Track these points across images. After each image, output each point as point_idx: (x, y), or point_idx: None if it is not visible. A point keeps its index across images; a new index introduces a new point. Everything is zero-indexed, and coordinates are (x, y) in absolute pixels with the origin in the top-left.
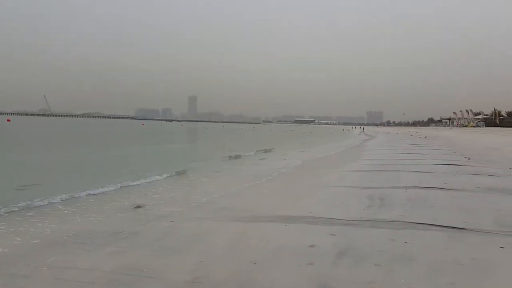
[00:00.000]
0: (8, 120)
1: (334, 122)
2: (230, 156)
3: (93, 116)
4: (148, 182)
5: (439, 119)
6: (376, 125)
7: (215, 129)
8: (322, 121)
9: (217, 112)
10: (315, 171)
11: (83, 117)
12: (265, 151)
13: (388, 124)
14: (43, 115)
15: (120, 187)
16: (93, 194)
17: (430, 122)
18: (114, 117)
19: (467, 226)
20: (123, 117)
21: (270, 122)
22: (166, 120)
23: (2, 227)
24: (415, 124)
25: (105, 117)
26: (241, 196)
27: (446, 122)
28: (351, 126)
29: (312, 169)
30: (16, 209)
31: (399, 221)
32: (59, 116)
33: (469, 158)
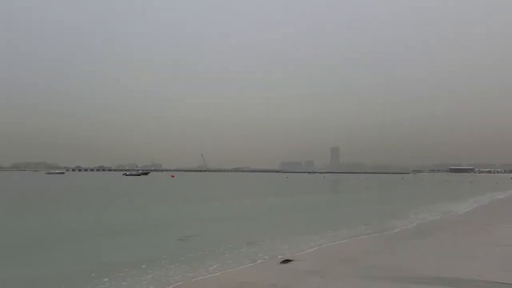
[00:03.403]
0: (172, 176)
1: (499, 170)
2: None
3: (242, 170)
4: (294, 235)
5: None
6: None
7: (359, 180)
8: (483, 169)
9: (360, 163)
10: (478, 226)
11: (233, 171)
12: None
13: None
14: (200, 170)
15: (274, 238)
16: (249, 243)
17: None
18: (261, 171)
19: None
20: (268, 171)
21: (421, 171)
22: (309, 173)
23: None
24: None
25: (252, 171)
26: (390, 252)
27: None
28: None
29: (474, 223)
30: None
31: None
32: (213, 171)
33: None
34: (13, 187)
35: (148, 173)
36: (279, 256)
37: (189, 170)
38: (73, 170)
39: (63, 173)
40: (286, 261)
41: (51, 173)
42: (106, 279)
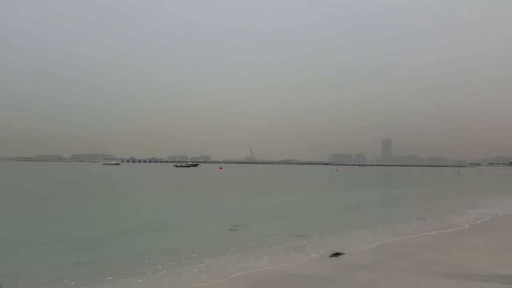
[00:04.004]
0: (221, 168)
1: None
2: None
3: (290, 163)
4: (344, 229)
5: None
6: None
7: (412, 173)
8: None
9: (414, 156)
10: None
11: (281, 164)
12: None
13: None
14: (248, 162)
15: (323, 231)
16: (298, 236)
17: None
18: (309, 163)
19: None
20: (317, 163)
21: (479, 165)
22: (359, 165)
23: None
24: None
25: (301, 164)
26: (447, 248)
27: None
28: None
29: None
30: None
31: None
32: (261, 163)
33: None
34: (89, 177)
35: (198, 164)
36: (329, 250)
37: (237, 162)
38: (128, 161)
39: (118, 164)
40: (336, 254)
41: (107, 164)
42: (160, 267)
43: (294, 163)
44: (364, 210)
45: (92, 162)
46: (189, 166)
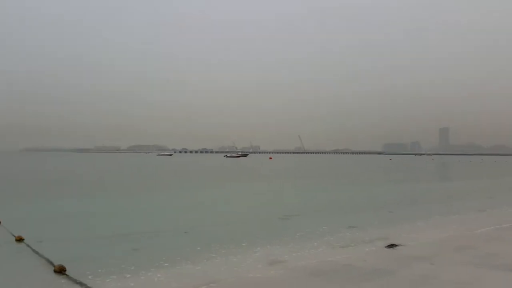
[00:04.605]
0: (270, 158)
1: None
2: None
3: (341, 152)
4: (404, 219)
5: None
6: None
7: (472, 163)
8: None
9: (473, 144)
10: None
11: (332, 153)
12: None
13: None
14: (298, 152)
15: (376, 222)
16: (351, 227)
17: None
18: (361, 153)
19: None
20: (370, 153)
21: None
22: (415, 154)
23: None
24: None
25: (353, 153)
26: (511, 241)
27: None
28: None
29: None
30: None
31: None
32: (311, 153)
33: None
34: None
35: (247, 155)
36: (384, 241)
37: (287, 152)
38: (180, 152)
39: (171, 154)
40: (392, 246)
41: (161, 155)
42: (214, 255)
43: (346, 153)
44: (421, 201)
45: (146, 153)
46: (239, 156)
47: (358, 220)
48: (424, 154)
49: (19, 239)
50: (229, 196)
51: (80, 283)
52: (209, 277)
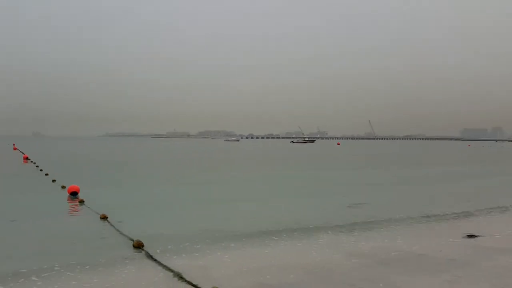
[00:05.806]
0: (338, 144)
1: None
2: None
3: (415, 138)
4: (484, 211)
5: None
6: None
7: None
8: None
9: None
10: None
11: (404, 139)
12: None
13: None
14: (368, 138)
15: (453, 213)
16: (426, 216)
17: None
18: (437, 139)
19: None
20: (446, 138)
21: None
22: (496, 141)
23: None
24: None
25: (427, 139)
26: None
27: None
28: None
29: None
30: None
31: None
32: (382, 139)
33: None
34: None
35: (314, 140)
36: (462, 232)
37: (356, 138)
38: (246, 137)
39: (238, 140)
40: (471, 236)
41: (228, 140)
42: (275, 238)
43: (420, 139)
44: (505, 191)
45: (213, 138)
46: (305, 142)
47: (435, 208)
48: (507, 140)
49: (103, 217)
50: (295, 182)
51: (154, 259)
52: (276, 261)
